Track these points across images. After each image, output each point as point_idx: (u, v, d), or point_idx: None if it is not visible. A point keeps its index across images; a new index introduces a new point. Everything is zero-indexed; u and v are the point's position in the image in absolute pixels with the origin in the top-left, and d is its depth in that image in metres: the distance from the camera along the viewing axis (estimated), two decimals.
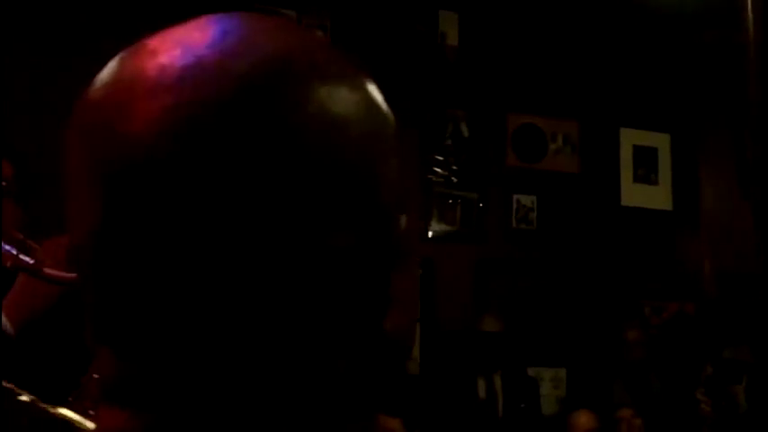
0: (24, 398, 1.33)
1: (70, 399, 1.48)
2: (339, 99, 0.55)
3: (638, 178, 5.10)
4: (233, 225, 0.51)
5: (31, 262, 1.61)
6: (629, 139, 5.09)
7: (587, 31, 4.95)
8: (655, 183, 5.13)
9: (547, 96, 4.90)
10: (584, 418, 4.00)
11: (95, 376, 1.42)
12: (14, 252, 1.62)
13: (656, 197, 5.11)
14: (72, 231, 0.55)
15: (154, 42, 0.56)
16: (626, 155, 5.08)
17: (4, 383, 1.30)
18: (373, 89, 0.59)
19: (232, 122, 0.51)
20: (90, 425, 1.31)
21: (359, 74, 0.58)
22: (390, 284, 0.56)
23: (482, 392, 4.19)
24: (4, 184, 1.89)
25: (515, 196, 4.83)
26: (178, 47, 0.54)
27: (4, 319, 1.70)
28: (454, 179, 4.68)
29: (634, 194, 5.07)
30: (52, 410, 1.36)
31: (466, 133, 4.73)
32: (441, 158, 4.66)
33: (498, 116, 4.83)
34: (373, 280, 0.55)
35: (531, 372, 4.53)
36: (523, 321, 4.60)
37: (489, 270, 4.62)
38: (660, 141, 5.15)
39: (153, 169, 0.51)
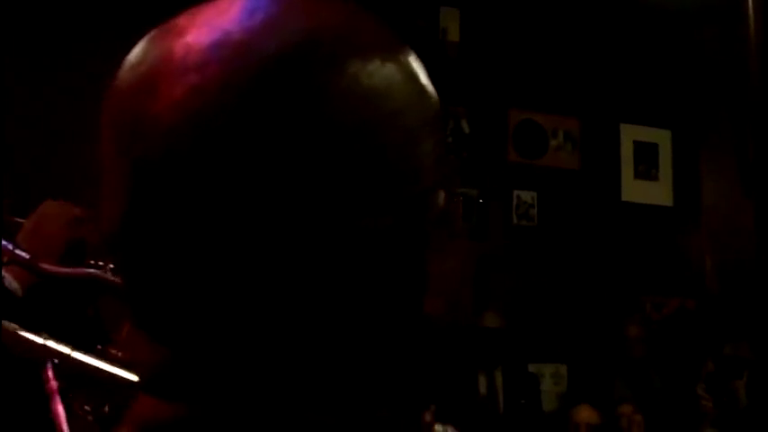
0: (66, 350, 1.34)
1: None
2: (372, 74, 0.53)
3: (638, 174, 5.09)
4: (260, 208, 0.49)
5: (27, 257, 1.62)
6: (630, 135, 5.08)
7: (588, 28, 4.95)
8: (655, 179, 5.12)
9: (547, 93, 4.90)
10: (585, 414, 4.00)
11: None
12: (10, 247, 1.62)
13: (657, 193, 5.11)
14: (103, 215, 0.54)
15: (182, 21, 0.54)
16: (627, 151, 5.07)
17: (44, 337, 1.31)
18: (411, 62, 0.56)
19: (258, 103, 0.50)
20: (132, 377, 1.32)
21: (395, 46, 0.56)
22: (426, 264, 0.54)
23: (483, 388, 4.19)
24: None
25: (516, 192, 4.83)
26: (205, 26, 0.53)
27: (8, 277, 1.70)
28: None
29: (635, 190, 5.06)
30: (96, 362, 1.36)
31: (467, 129, 4.72)
32: None
33: (499, 112, 4.82)
34: (410, 261, 0.53)
35: (531, 368, 4.53)
36: (524, 317, 4.60)
37: (490, 266, 4.62)
38: (661, 137, 5.15)
39: (179, 151, 0.50)
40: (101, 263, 1.62)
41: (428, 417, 0.89)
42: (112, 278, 1.60)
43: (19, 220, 1.81)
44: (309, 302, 0.51)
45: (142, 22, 0.65)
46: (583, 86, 4.95)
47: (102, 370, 1.33)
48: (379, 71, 0.53)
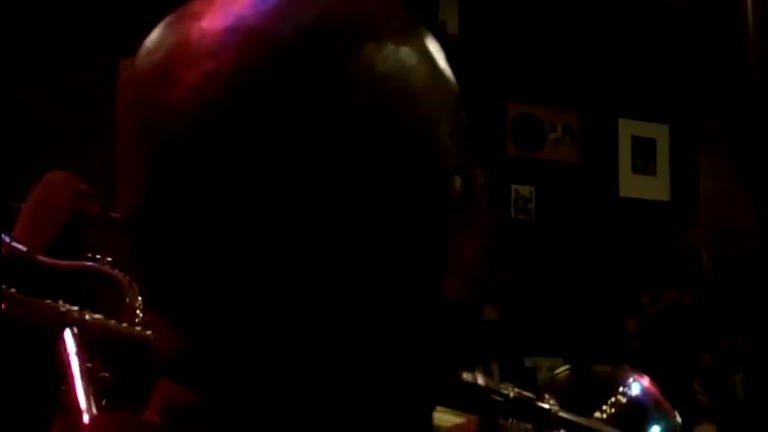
0: (96, 316, 1.34)
1: (47, 410, 1.48)
2: (387, 57, 0.52)
3: (636, 169, 5.09)
4: (278, 193, 0.49)
5: (24, 249, 1.61)
6: (628, 129, 5.08)
7: (587, 21, 4.94)
8: (653, 173, 5.12)
9: (546, 86, 4.89)
10: None
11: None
12: (7, 240, 1.62)
13: (655, 188, 5.11)
14: (121, 201, 0.54)
15: (197, 6, 0.54)
16: (624, 146, 5.07)
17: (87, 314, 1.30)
18: (428, 45, 0.56)
19: (274, 88, 0.50)
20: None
21: (411, 29, 0.56)
22: (446, 249, 0.54)
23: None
24: None
25: (514, 186, 4.83)
26: (220, 11, 0.52)
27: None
28: None
29: (632, 185, 5.07)
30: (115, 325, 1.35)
31: (465, 122, 4.72)
32: None
33: (497, 105, 4.82)
34: (428, 243, 0.53)
35: (528, 361, 4.53)
36: (522, 311, 4.60)
37: (488, 260, 4.61)
38: (659, 132, 5.15)
39: (195, 138, 0.50)
40: (98, 256, 1.62)
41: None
42: (111, 271, 1.60)
43: (17, 204, 1.81)
44: (329, 288, 0.51)
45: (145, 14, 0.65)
46: (581, 80, 4.95)
47: (121, 334, 1.33)
48: (395, 54, 0.53)
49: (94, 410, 1.26)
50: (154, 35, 0.55)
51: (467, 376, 0.88)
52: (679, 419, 1.10)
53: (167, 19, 0.55)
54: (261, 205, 0.49)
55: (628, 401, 1.10)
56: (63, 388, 1.43)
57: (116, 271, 1.59)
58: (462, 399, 0.88)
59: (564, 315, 4.72)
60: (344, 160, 0.50)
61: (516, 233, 4.76)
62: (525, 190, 4.85)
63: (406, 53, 0.54)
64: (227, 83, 0.50)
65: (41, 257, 1.62)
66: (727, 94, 4.51)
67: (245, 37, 0.51)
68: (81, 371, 1.28)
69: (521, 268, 4.70)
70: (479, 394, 0.88)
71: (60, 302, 1.33)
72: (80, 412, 1.25)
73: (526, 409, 0.94)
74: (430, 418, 0.59)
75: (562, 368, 1.14)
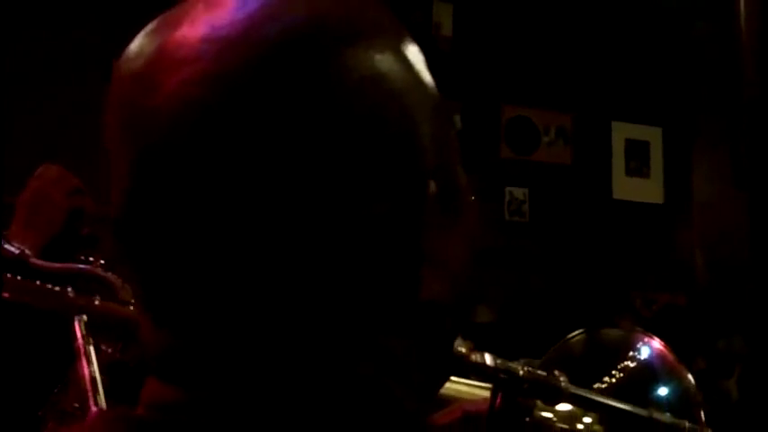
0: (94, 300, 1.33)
1: (40, 413, 1.47)
2: (367, 61, 0.53)
3: (630, 172, 5.10)
4: (260, 194, 0.50)
5: (17, 252, 1.60)
6: (622, 132, 5.09)
7: (581, 24, 4.95)
8: (647, 176, 5.13)
9: (540, 88, 4.90)
10: None
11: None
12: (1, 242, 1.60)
13: (648, 190, 5.12)
14: (111, 200, 0.55)
15: (178, 13, 0.55)
16: (618, 148, 5.08)
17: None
18: (408, 49, 0.57)
19: (251, 93, 0.50)
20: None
21: (393, 34, 0.57)
22: (423, 248, 0.54)
23: None
24: None
25: (508, 188, 4.83)
26: (201, 17, 0.53)
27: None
28: None
29: (626, 188, 5.07)
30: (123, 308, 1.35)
31: (459, 125, 4.72)
32: None
33: (492, 108, 4.82)
34: (402, 244, 0.53)
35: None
36: (516, 313, 4.61)
37: (482, 262, 4.61)
38: (652, 135, 5.16)
39: (176, 141, 0.51)
40: (91, 258, 1.61)
41: (464, 348, 0.90)
42: (104, 274, 1.59)
43: (11, 199, 1.78)
44: (310, 288, 0.51)
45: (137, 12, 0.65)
46: (575, 83, 4.96)
47: (129, 318, 1.32)
48: (374, 58, 0.54)
49: (103, 402, 1.26)
50: (135, 42, 0.56)
51: (475, 356, 0.89)
52: (692, 380, 1.10)
53: (148, 27, 0.56)
54: (240, 208, 0.50)
55: (639, 364, 1.10)
56: (56, 390, 1.42)
57: (109, 273, 1.58)
58: (471, 379, 0.89)
59: (558, 317, 4.72)
60: (323, 161, 0.51)
61: (510, 235, 4.76)
62: (519, 192, 4.85)
63: (385, 57, 0.55)
64: (206, 87, 0.51)
65: (34, 260, 1.61)
66: (721, 96, 4.51)
67: (222, 43, 0.51)
68: (90, 360, 1.28)
69: (515, 270, 4.70)
70: (488, 373, 0.89)
71: (69, 289, 1.32)
72: (89, 402, 1.25)
73: (537, 387, 0.94)
74: (420, 414, 0.60)
75: (575, 333, 1.14)
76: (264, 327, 0.52)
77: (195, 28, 0.53)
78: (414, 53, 0.57)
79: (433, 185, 0.55)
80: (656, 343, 1.10)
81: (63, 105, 3.87)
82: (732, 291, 4.25)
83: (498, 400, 0.96)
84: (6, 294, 1.34)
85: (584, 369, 1.04)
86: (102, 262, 1.58)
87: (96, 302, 1.33)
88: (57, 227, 1.75)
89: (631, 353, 1.10)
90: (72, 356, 1.39)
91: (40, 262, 1.60)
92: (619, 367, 1.08)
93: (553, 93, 4.93)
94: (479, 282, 0.66)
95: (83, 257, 1.62)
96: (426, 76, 0.58)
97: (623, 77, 5.03)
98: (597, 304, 4.75)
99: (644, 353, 1.10)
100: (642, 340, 1.11)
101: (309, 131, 0.50)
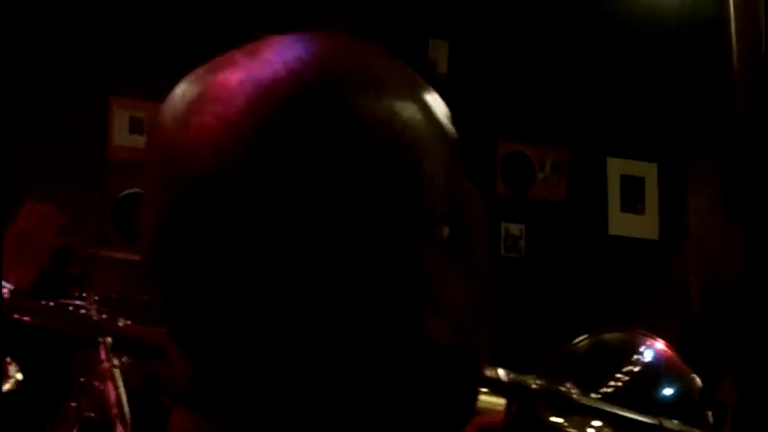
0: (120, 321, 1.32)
1: (48, 429, 1.47)
2: (384, 109, 0.57)
3: (625, 207, 5.12)
4: (283, 231, 0.53)
5: (7, 294, 1.58)
6: (617, 168, 5.12)
7: (575, 61, 4.99)
8: (641, 212, 5.15)
9: (536, 124, 4.93)
10: None
11: (73, 405, 1.41)
12: None
13: (643, 226, 5.13)
14: (142, 237, 0.58)
15: (220, 60, 0.59)
16: (613, 184, 5.10)
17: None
18: (427, 98, 0.62)
19: (278, 139, 0.53)
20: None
21: (412, 82, 0.62)
22: (426, 289, 0.57)
23: None
24: None
25: (504, 224, 4.84)
26: (240, 63, 0.57)
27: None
28: None
29: (621, 224, 5.09)
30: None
31: (461, 168, 4.74)
32: None
33: (488, 144, 4.85)
34: (406, 284, 0.56)
35: None
36: (512, 348, 4.59)
37: (484, 303, 4.60)
38: (647, 171, 5.18)
39: (209, 178, 0.54)
40: (84, 294, 1.61)
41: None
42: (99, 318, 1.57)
43: None
44: (324, 325, 0.54)
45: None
46: (570, 119, 4.99)
47: (155, 338, 1.31)
48: (392, 106, 0.58)
49: (129, 427, 1.25)
50: (179, 86, 0.60)
51: (490, 372, 0.91)
52: (698, 380, 1.11)
53: (191, 73, 0.60)
54: (266, 241, 0.53)
55: (644, 367, 1.10)
56: (62, 405, 1.41)
57: (103, 313, 1.57)
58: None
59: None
60: (339, 203, 0.53)
61: (507, 271, 4.77)
62: (515, 228, 4.86)
63: (402, 105, 0.58)
64: (238, 126, 0.54)
65: (26, 302, 1.60)
66: (716, 132, 4.55)
67: (256, 87, 0.55)
68: (117, 383, 1.28)
69: (511, 306, 4.70)
70: (503, 387, 0.91)
71: (93, 311, 1.32)
72: (117, 429, 1.24)
73: (550, 399, 0.95)
74: None
75: (580, 338, 1.15)
76: (282, 360, 0.54)
77: (234, 73, 0.56)
78: (428, 101, 0.61)
79: (440, 230, 0.58)
80: (661, 344, 1.11)
81: (58, 142, 3.88)
82: (726, 325, 4.25)
83: (512, 413, 0.97)
84: (27, 318, 1.34)
85: (590, 372, 1.06)
86: (96, 298, 1.58)
87: (120, 324, 1.33)
88: (45, 266, 1.75)
89: (636, 356, 1.11)
90: (65, 391, 1.38)
91: (33, 303, 1.59)
92: (624, 370, 1.10)
93: (548, 128, 4.95)
94: (481, 322, 0.67)
95: (76, 294, 1.62)
96: (441, 123, 0.62)
97: (617, 113, 5.06)
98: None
99: (649, 355, 1.11)
100: (646, 342, 1.12)
101: (320, 176, 0.53)
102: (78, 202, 3.73)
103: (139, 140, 4.00)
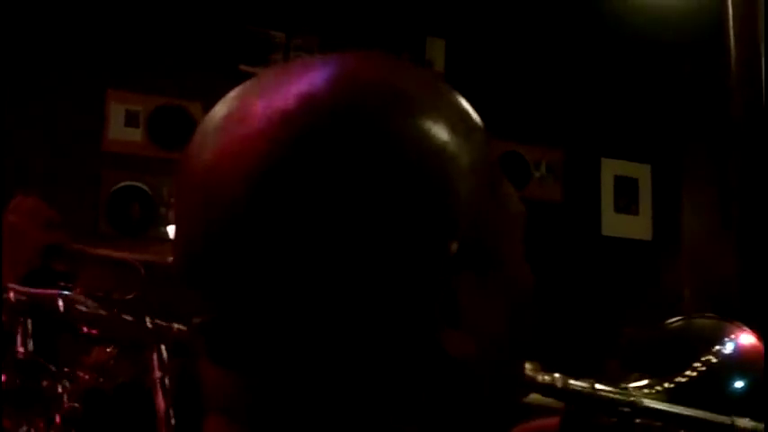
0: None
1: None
2: (420, 133, 0.57)
3: (618, 208, 5.12)
4: (318, 254, 0.53)
5: None
6: (611, 169, 5.12)
7: (572, 62, 5.00)
8: (635, 213, 5.16)
9: (531, 124, 4.93)
10: None
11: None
12: None
13: (637, 227, 5.14)
14: (177, 252, 0.59)
15: (255, 81, 0.60)
16: (607, 185, 5.11)
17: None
18: (455, 118, 0.62)
19: (302, 164, 0.54)
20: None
21: (446, 103, 0.62)
22: (450, 306, 0.57)
23: None
24: None
25: None
26: (268, 88, 0.58)
27: None
28: None
29: (615, 224, 5.09)
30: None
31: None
32: None
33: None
34: (429, 301, 0.56)
35: None
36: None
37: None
38: (641, 172, 5.19)
39: (227, 204, 0.55)
40: (70, 285, 1.60)
41: (528, 368, 0.90)
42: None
43: None
44: (351, 344, 0.55)
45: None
46: (565, 119, 4.99)
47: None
48: (428, 129, 0.57)
49: None
50: (215, 107, 0.60)
51: (542, 377, 0.90)
52: None
53: (231, 92, 0.61)
54: (295, 262, 0.54)
55: (724, 358, 1.05)
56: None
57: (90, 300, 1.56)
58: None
59: (548, 354, 4.71)
60: (370, 221, 0.54)
61: None
62: None
63: (433, 122, 0.58)
64: (265, 149, 0.54)
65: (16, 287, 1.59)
66: (710, 133, 4.55)
67: (280, 113, 0.56)
68: (167, 394, 1.27)
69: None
70: (557, 393, 0.89)
71: (147, 318, 1.31)
72: None
73: (609, 404, 0.92)
74: None
75: (661, 324, 1.12)
76: (319, 372, 0.55)
77: (263, 98, 0.57)
78: (460, 120, 0.62)
79: (463, 249, 0.58)
80: (749, 336, 1.05)
81: (55, 137, 3.88)
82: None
83: (569, 421, 0.95)
84: (85, 328, 1.33)
85: (668, 359, 1.02)
86: (83, 296, 1.57)
87: (175, 329, 1.32)
88: (34, 262, 1.74)
89: (718, 346, 1.06)
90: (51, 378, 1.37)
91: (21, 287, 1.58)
92: (702, 359, 1.05)
93: (543, 128, 4.96)
94: (514, 341, 0.68)
95: (62, 284, 1.61)
96: (471, 143, 0.62)
97: (612, 114, 5.07)
98: (587, 341, 4.75)
99: (731, 346, 1.06)
100: (734, 332, 1.07)
101: (353, 193, 0.54)
102: (74, 194, 3.73)
103: (135, 134, 3.99)
